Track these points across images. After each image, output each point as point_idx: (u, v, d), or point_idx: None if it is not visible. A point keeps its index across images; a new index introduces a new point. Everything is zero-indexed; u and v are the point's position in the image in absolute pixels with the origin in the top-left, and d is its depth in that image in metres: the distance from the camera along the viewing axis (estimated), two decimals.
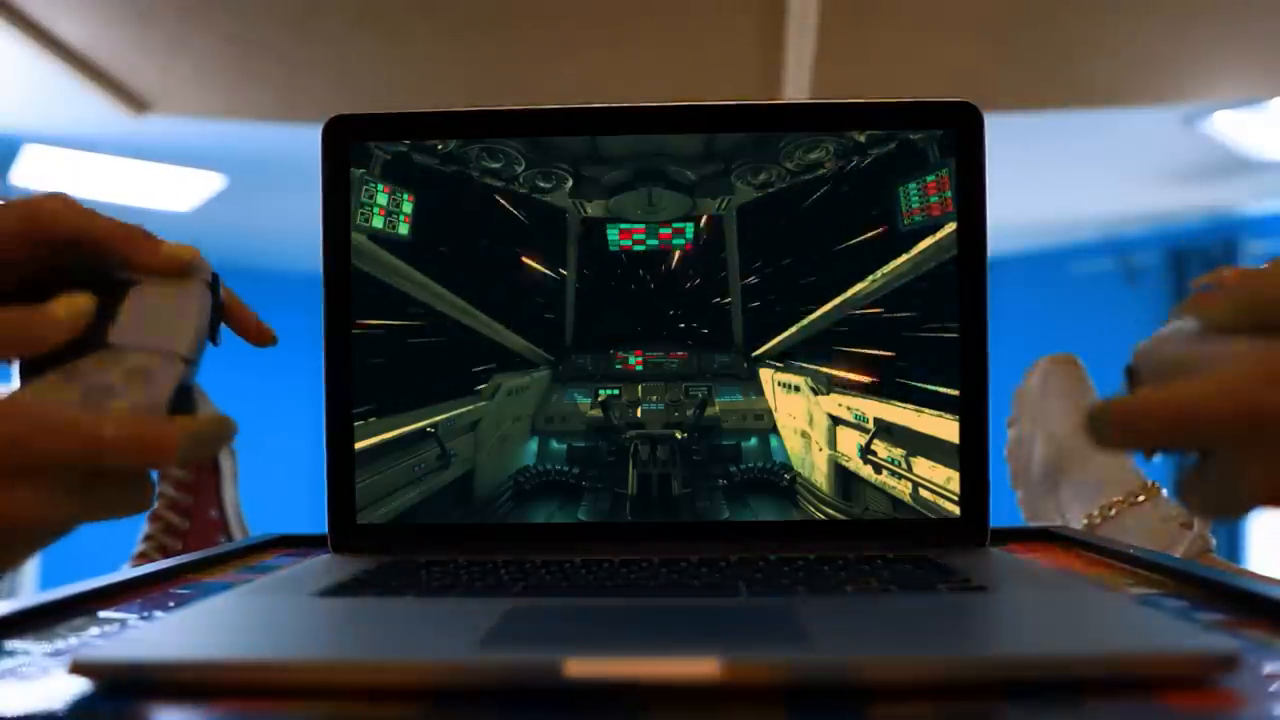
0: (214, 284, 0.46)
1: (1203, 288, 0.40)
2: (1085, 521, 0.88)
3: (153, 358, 0.41)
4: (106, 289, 0.42)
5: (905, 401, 0.61)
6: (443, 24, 1.57)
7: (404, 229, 0.62)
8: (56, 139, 2.90)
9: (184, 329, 0.42)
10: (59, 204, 0.42)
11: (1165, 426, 0.35)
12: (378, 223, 0.62)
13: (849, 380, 0.61)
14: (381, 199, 0.62)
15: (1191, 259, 4.15)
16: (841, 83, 1.70)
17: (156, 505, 0.96)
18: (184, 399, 0.41)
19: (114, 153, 3.04)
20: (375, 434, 0.61)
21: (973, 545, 0.60)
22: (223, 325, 0.48)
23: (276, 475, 3.00)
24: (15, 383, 0.40)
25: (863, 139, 0.61)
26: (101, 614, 0.49)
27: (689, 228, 0.62)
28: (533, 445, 0.62)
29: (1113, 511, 0.87)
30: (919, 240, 0.60)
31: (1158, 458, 0.42)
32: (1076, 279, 4.41)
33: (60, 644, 0.43)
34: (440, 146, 0.62)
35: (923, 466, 0.60)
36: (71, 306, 0.40)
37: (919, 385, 0.60)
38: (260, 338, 0.50)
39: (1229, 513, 0.37)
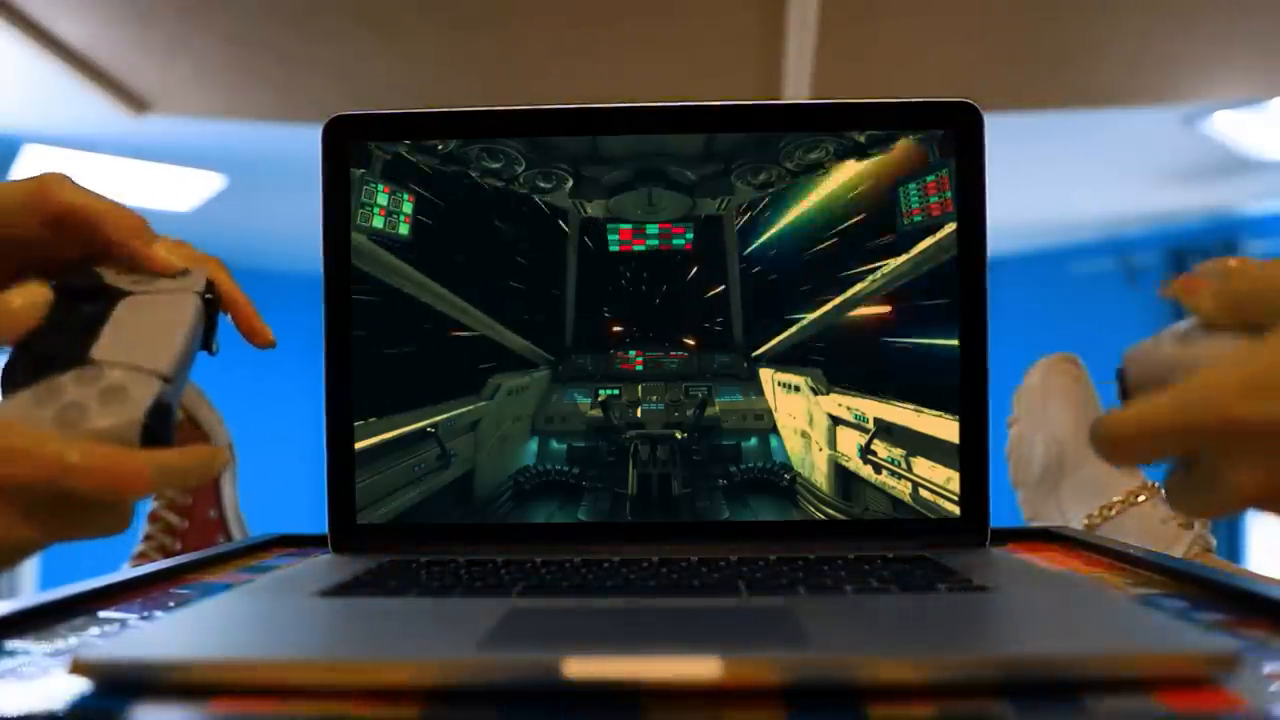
0: (208, 292, 0.46)
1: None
2: (1085, 521, 0.88)
3: (131, 375, 0.40)
4: (95, 302, 0.42)
5: (905, 401, 0.61)
6: (443, 23, 1.57)
7: (404, 229, 0.62)
8: (56, 139, 2.90)
9: (166, 346, 0.42)
10: (59, 179, 0.44)
11: (1148, 443, 0.36)
12: (378, 223, 0.62)
13: (849, 380, 0.61)
14: (381, 199, 0.62)
15: (1191, 259, 4.15)
16: (842, 82, 1.70)
17: (155, 505, 0.96)
18: (161, 419, 0.40)
19: (114, 153, 3.04)
20: (375, 434, 0.61)
21: (973, 545, 0.60)
22: (221, 327, 0.48)
23: (276, 475, 3.00)
24: None
25: (862, 139, 0.61)
26: (101, 614, 0.49)
27: (689, 228, 0.62)
28: (533, 445, 0.62)
29: (1113, 511, 0.87)
30: (919, 240, 0.61)
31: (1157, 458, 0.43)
32: (1076, 279, 4.41)
33: (60, 644, 0.43)
34: (440, 146, 0.62)
35: (923, 466, 0.60)
36: (27, 296, 0.40)
37: (919, 385, 0.60)
38: (259, 339, 0.50)
39: (1214, 513, 0.38)
